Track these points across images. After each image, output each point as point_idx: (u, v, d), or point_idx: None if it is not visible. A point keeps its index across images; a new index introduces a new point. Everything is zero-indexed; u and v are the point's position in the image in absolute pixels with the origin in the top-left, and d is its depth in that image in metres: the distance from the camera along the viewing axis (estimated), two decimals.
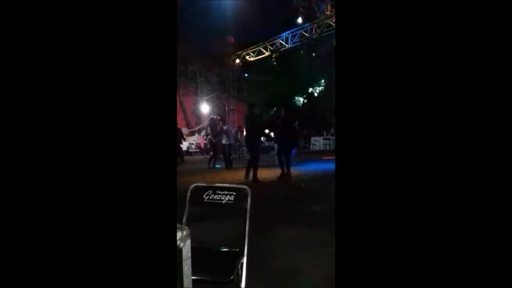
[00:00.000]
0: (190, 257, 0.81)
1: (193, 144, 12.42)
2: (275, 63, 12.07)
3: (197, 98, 13.52)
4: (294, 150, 7.02)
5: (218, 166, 7.48)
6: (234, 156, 7.78)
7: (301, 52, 11.31)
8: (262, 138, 5.93)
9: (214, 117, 8.09)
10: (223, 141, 7.31)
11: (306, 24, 10.78)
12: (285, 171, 5.40)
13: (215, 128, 7.40)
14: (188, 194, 1.38)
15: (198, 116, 13.71)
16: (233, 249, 1.35)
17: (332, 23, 9.52)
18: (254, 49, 12.71)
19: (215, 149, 7.54)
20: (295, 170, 5.87)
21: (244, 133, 7.93)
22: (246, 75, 13.79)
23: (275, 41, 11.85)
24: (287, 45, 11.48)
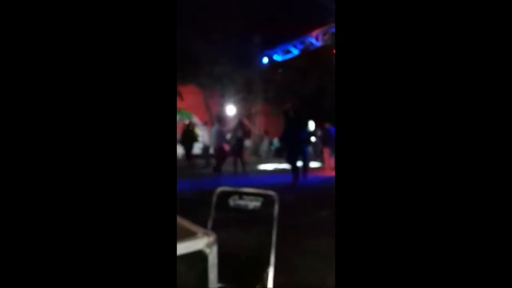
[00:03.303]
0: (216, 264, 0.79)
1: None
2: (304, 63, 11.86)
3: (222, 100, 13.58)
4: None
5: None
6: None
7: (333, 51, 10.99)
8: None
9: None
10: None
11: None
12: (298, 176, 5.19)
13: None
14: (214, 198, 1.35)
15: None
16: (260, 257, 1.30)
17: None
18: (282, 48, 12.61)
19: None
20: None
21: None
22: (273, 75, 13.67)
23: (304, 40, 11.67)
24: (317, 44, 11.25)
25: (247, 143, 7.23)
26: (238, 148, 6.80)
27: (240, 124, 7.15)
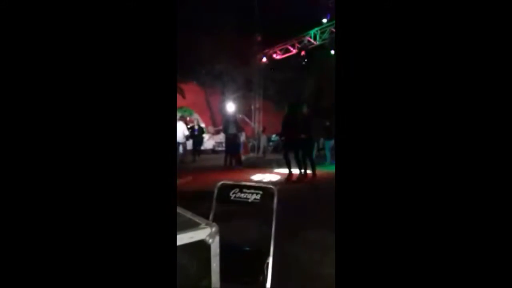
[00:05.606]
0: (218, 253, 0.82)
1: (219, 142, 12.61)
2: (305, 61, 11.81)
3: (223, 97, 13.64)
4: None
5: None
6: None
7: (331, 51, 10.92)
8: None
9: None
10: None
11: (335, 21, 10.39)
12: (304, 172, 5.19)
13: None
14: (215, 191, 1.38)
15: (224, 115, 13.85)
16: (259, 249, 1.33)
17: None
18: (281, 47, 12.57)
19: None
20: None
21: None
22: (272, 73, 13.65)
23: (303, 39, 11.64)
24: (315, 42, 11.23)
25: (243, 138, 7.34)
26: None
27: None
